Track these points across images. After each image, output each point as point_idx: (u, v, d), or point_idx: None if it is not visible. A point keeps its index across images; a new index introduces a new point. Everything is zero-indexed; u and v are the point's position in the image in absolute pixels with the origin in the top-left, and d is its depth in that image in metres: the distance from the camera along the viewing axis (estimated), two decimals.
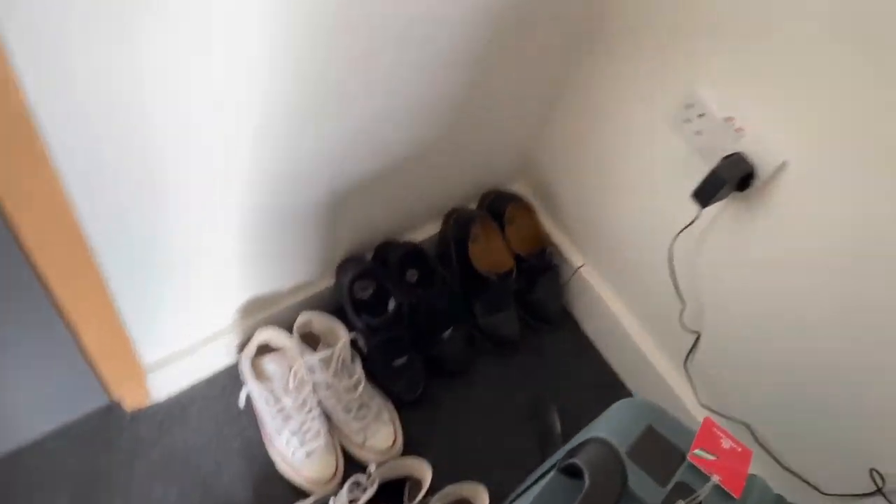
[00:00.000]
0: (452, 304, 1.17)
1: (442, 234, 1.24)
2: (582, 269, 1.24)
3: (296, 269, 1.07)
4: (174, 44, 0.60)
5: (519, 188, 1.30)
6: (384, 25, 0.74)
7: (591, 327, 1.28)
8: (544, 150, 1.21)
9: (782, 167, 0.83)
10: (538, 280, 1.24)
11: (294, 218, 0.95)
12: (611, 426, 0.66)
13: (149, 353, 0.99)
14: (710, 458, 0.65)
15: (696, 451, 0.65)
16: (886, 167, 0.73)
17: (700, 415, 1.09)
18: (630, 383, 1.24)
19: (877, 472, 0.89)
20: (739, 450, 0.67)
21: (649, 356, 1.16)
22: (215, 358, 1.08)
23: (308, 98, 0.76)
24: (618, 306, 1.20)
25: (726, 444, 0.67)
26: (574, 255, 1.25)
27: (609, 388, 1.25)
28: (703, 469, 0.63)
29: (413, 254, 1.15)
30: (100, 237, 0.74)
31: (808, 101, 0.77)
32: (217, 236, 0.88)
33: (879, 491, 0.90)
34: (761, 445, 1.03)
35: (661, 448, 0.65)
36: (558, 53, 1.02)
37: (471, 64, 0.90)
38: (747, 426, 1.05)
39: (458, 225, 1.21)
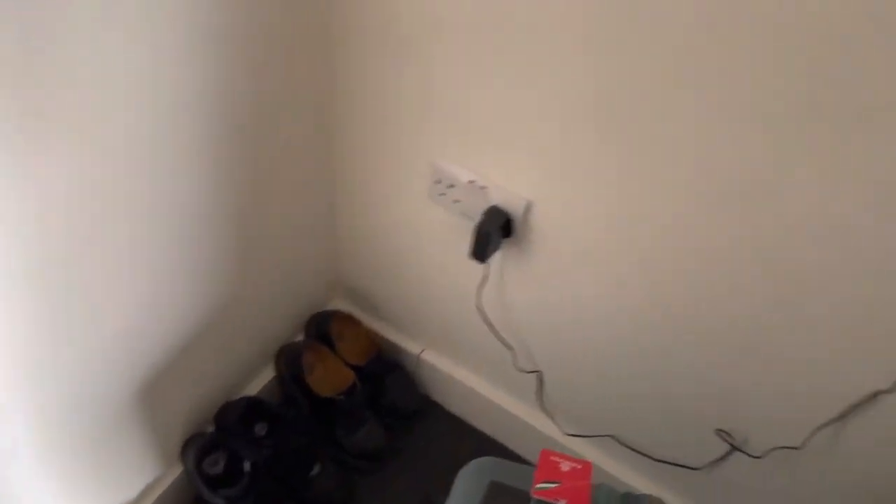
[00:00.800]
0: (310, 440, 1.15)
1: (278, 375, 1.23)
2: (422, 354, 1.27)
3: (136, 473, 1.01)
4: None
5: (337, 304, 1.33)
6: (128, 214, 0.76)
7: (453, 405, 1.31)
8: (345, 262, 1.26)
9: (530, 206, 0.92)
10: (386, 382, 1.25)
11: (107, 428, 0.91)
12: (458, 498, 0.68)
13: None
14: (553, 486, 0.68)
15: (539, 485, 0.68)
16: (600, 179, 0.83)
17: (568, 445, 1.14)
18: (507, 442, 1.27)
19: (722, 430, 0.97)
20: (579, 467, 0.71)
21: (510, 409, 1.20)
22: None
23: (64, 303, 0.75)
24: (465, 375, 1.24)
25: (566, 466, 0.71)
26: (411, 345, 1.29)
27: (492, 454, 1.27)
28: (549, 500, 0.66)
29: (253, 407, 1.13)
30: None
31: (523, 150, 0.87)
32: (32, 485, 0.82)
33: (733, 447, 0.97)
34: (630, 448, 1.09)
35: (508, 497, 0.67)
36: (314, 178, 1.08)
37: (237, 211, 0.93)
38: (612, 436, 1.10)
39: (289, 361, 1.20)
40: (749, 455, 0.96)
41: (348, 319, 1.27)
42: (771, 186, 0.71)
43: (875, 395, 0.80)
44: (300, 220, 1.11)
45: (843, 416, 0.84)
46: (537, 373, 1.12)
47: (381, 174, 1.06)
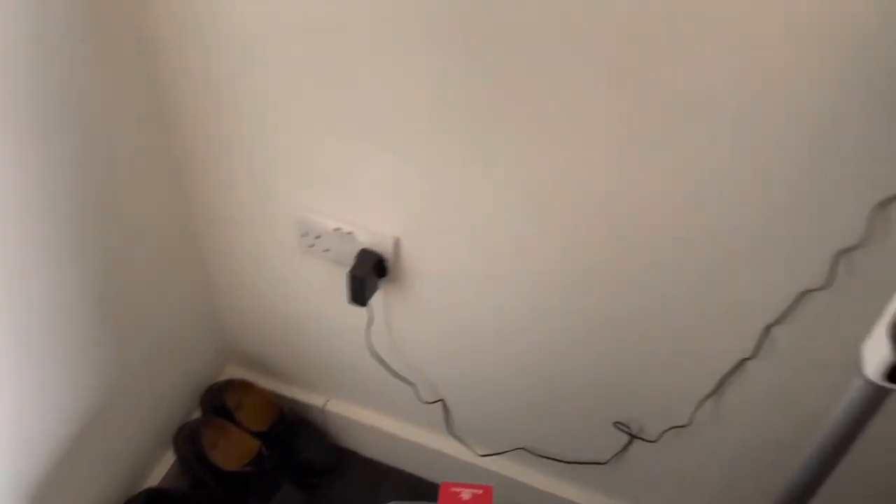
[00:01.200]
0: None
1: (180, 458, 1.18)
2: (327, 405, 1.26)
3: None
4: None
5: (230, 372, 1.29)
6: None
7: (367, 449, 1.29)
8: (231, 329, 1.23)
9: (398, 243, 0.94)
10: (295, 441, 1.22)
11: None
12: None
13: None
14: None
15: None
16: (458, 203, 0.86)
17: (484, 465, 1.16)
18: (426, 474, 1.26)
19: (619, 423, 1.02)
20: (480, 492, 0.72)
21: (423, 442, 1.20)
22: None
23: None
24: (373, 417, 1.24)
25: (467, 494, 0.72)
26: (314, 398, 1.27)
27: (416, 493, 1.27)
28: None
29: (155, 497, 1.07)
30: None
31: (377, 188, 0.88)
32: None
33: (632, 436, 1.02)
34: (541, 456, 1.12)
35: None
36: (180, 255, 1.06)
37: (98, 302, 0.89)
38: (523, 448, 1.13)
39: (188, 441, 1.16)
40: (646, 440, 1.00)
41: (244, 386, 1.23)
42: (620, 191, 0.76)
43: (742, 363, 0.87)
44: (174, 298, 1.07)
45: (718, 388, 0.90)
46: (441, 401, 1.13)
47: (248, 237, 1.04)
